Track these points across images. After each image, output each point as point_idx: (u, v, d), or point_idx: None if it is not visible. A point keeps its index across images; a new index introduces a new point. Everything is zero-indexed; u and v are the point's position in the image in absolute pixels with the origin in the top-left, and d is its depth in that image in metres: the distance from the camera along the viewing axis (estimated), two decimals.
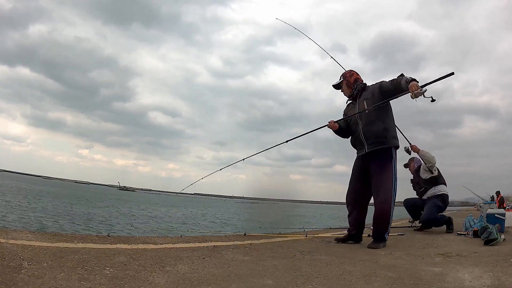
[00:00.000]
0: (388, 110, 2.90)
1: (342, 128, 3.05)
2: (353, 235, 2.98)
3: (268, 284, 1.51)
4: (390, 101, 2.84)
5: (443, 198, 4.40)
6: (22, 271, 1.36)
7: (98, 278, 1.39)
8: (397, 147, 2.90)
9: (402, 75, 2.70)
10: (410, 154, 4.51)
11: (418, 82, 2.53)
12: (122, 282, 1.37)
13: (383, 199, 2.77)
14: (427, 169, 4.45)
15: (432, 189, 4.41)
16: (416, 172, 4.67)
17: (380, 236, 2.76)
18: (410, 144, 4.41)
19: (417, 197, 4.66)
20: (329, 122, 3.00)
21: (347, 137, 3.10)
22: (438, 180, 4.47)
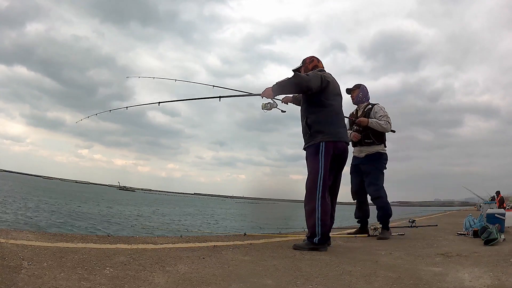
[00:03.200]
0: (311, 105, 2.64)
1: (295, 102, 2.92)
2: None
3: (268, 284, 1.51)
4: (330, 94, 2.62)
5: (386, 159, 3.49)
6: (22, 271, 1.36)
7: (98, 278, 1.39)
8: (327, 141, 2.54)
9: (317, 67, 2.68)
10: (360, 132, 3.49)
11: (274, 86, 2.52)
12: (122, 282, 1.37)
13: (305, 199, 2.57)
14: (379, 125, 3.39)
15: (378, 145, 3.44)
16: (361, 109, 3.55)
17: (310, 237, 2.50)
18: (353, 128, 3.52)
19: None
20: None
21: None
22: (384, 136, 3.49)
